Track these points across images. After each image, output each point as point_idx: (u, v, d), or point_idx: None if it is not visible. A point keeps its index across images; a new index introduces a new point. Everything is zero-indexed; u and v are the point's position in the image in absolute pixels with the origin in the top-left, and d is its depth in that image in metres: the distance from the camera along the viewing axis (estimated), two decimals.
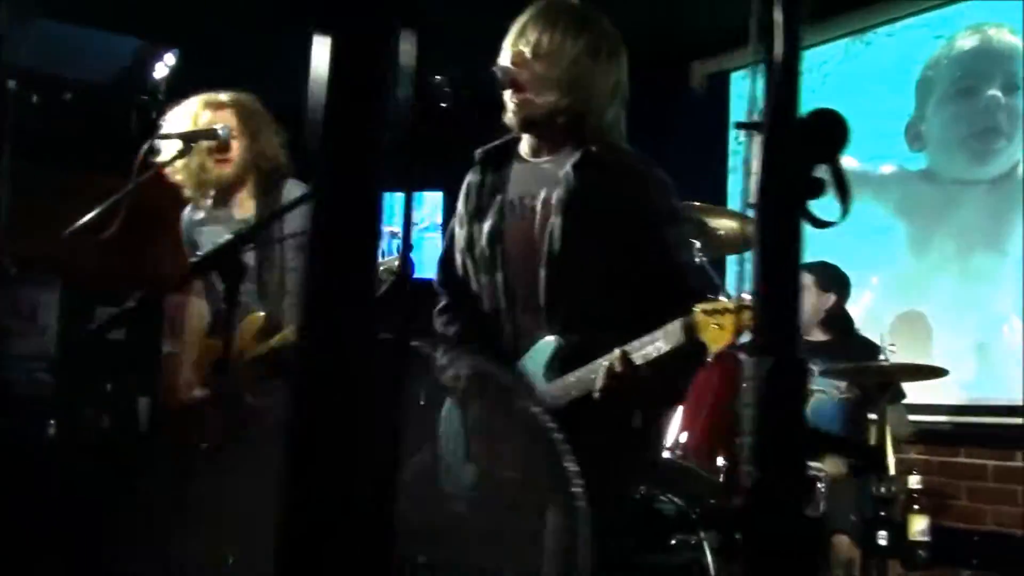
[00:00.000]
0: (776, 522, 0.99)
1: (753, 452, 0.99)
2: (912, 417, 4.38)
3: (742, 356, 3.30)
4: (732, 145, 5.52)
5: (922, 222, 4.57)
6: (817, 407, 3.96)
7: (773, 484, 0.99)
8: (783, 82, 1.02)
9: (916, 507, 3.40)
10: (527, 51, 2.17)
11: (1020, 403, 4.09)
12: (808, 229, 1.02)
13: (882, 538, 3.29)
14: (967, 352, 4.31)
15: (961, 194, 4.43)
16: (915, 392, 4.12)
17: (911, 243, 4.62)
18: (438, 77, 1.91)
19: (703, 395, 3.33)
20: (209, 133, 3.05)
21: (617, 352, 2.01)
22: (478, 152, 2.34)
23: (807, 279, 4.04)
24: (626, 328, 2.07)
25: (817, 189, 1.04)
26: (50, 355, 6.22)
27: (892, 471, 3.44)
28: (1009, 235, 4.23)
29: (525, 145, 2.29)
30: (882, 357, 3.41)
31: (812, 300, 4.03)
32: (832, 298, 4.03)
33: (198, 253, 3.33)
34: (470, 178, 2.35)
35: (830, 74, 5.05)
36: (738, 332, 1.92)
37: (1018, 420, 4.08)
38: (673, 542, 3.60)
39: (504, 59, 2.20)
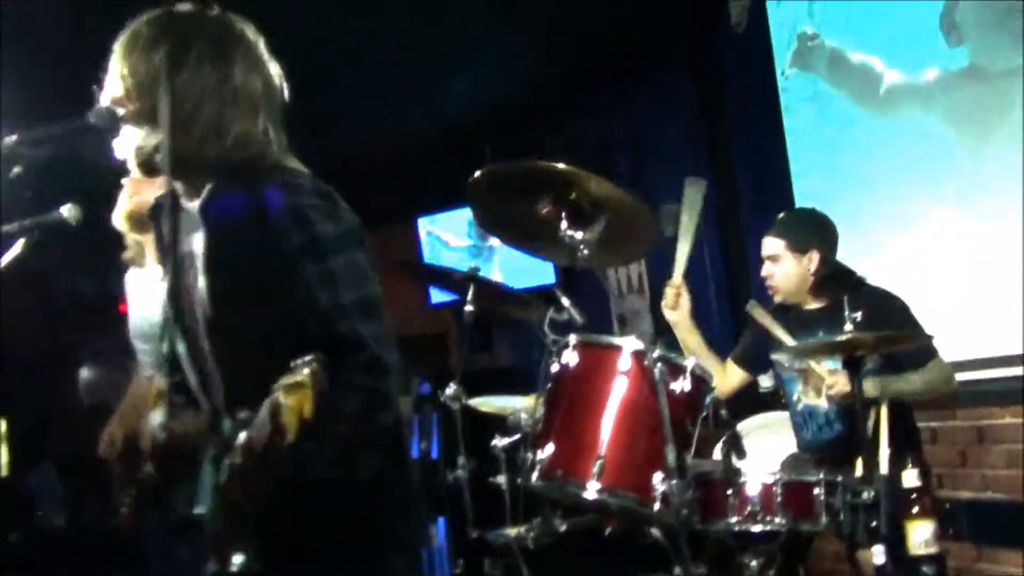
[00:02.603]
0: None
1: None
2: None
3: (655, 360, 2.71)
4: (780, 82, 4.79)
5: (975, 128, 3.68)
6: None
7: None
8: None
9: (916, 510, 2.62)
10: (123, 83, 1.74)
11: None
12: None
13: (878, 554, 2.59)
14: None
15: (1010, 87, 3.52)
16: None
17: (968, 155, 3.74)
18: None
19: (628, 415, 2.76)
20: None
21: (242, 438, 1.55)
22: (147, 211, 2.00)
23: (778, 246, 3.26)
24: None
25: None
26: None
27: (884, 468, 2.70)
28: None
29: (178, 185, 1.84)
30: (847, 327, 2.69)
31: (791, 269, 3.24)
32: (815, 256, 3.22)
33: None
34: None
35: None
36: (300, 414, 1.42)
37: None
38: None
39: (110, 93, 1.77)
